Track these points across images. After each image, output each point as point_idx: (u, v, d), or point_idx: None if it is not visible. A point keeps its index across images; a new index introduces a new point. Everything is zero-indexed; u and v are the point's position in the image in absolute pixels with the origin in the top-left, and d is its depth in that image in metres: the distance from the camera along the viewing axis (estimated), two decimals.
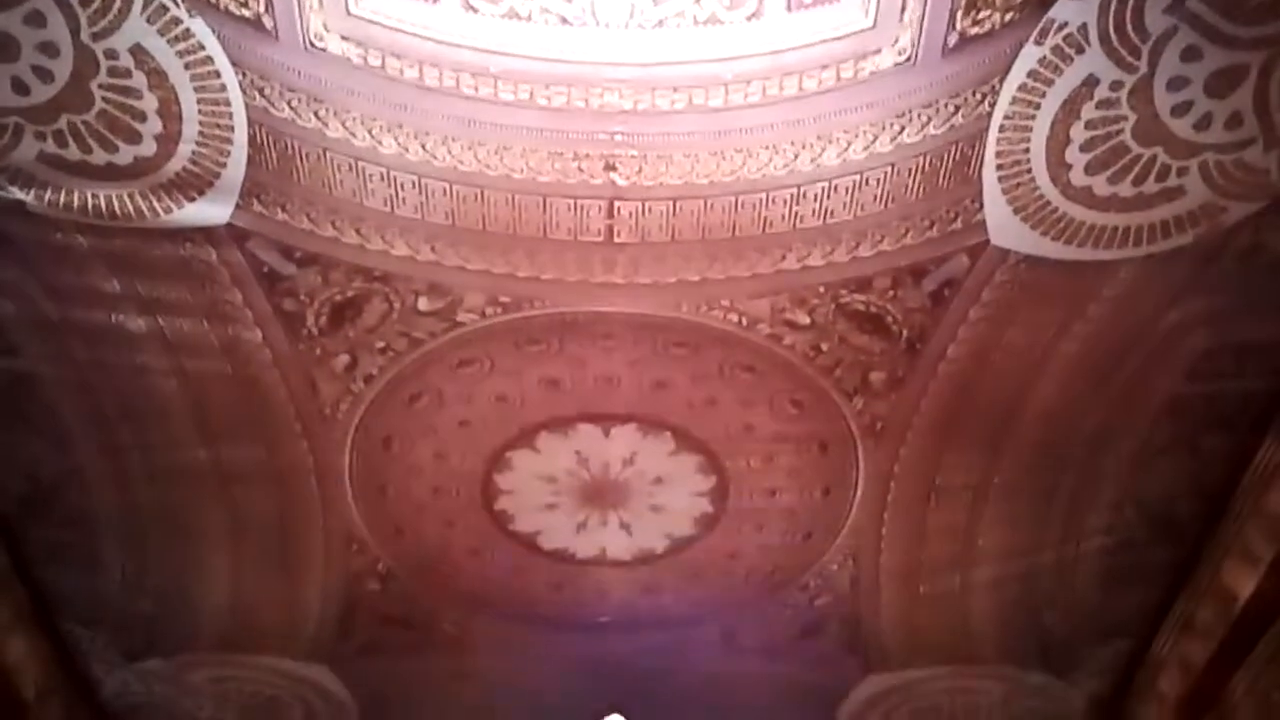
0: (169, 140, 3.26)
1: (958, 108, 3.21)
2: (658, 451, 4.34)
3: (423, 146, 3.30)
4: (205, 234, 3.52)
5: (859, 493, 4.45)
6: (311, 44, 3.11)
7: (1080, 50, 3.05)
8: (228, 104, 3.19)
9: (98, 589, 4.80)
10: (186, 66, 3.12)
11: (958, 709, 5.43)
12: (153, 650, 5.12)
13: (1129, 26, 3.00)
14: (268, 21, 3.07)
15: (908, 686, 5.30)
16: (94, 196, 3.38)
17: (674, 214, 3.47)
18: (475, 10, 3.07)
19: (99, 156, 3.27)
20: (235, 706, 5.41)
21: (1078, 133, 3.22)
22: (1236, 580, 4.37)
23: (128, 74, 3.11)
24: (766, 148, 3.31)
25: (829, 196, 3.42)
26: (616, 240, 3.54)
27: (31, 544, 4.62)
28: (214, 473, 4.37)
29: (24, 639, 4.77)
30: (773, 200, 3.43)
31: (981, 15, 3.03)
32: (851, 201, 3.43)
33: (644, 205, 3.46)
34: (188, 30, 3.05)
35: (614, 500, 4.51)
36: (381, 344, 3.92)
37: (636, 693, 4.82)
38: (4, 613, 4.60)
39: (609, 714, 4.47)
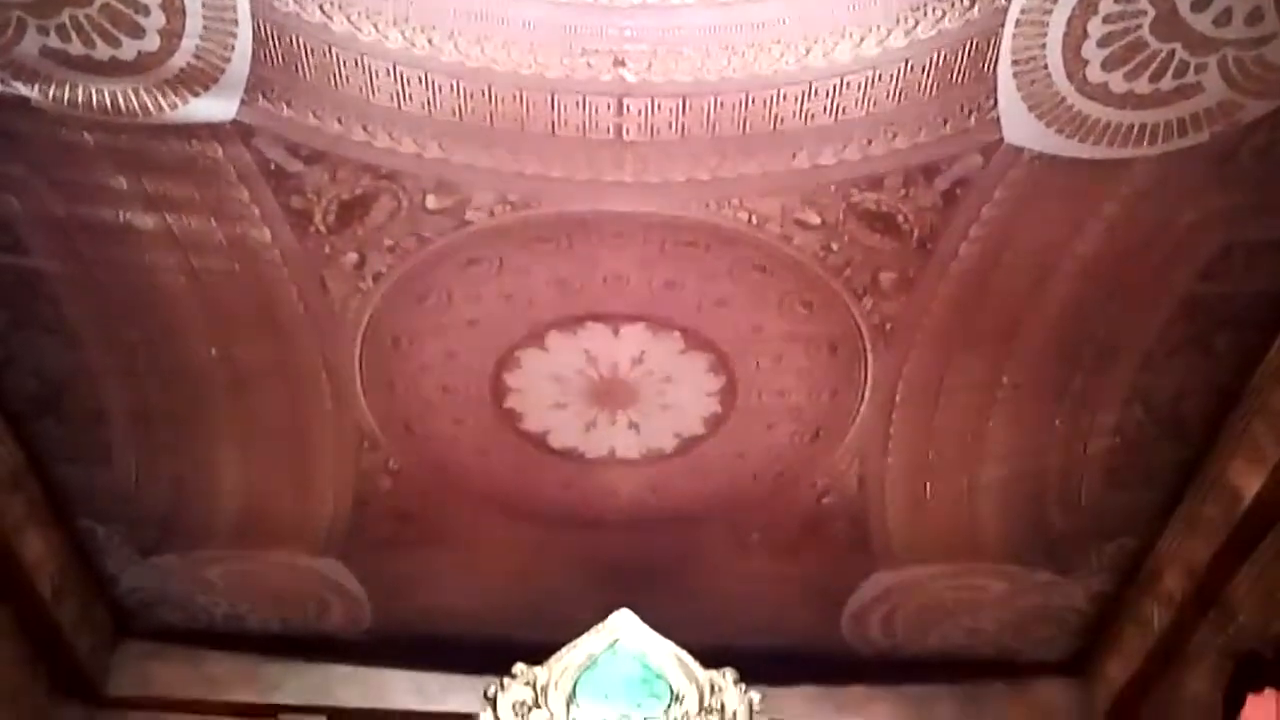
0: (172, 35, 3.20)
1: (973, 1, 3.15)
2: (667, 351, 4.33)
3: (429, 41, 3.25)
4: (211, 130, 3.48)
5: (867, 393, 4.45)
6: None
7: None
8: None
9: (111, 486, 4.85)
10: None
11: (961, 605, 5.49)
12: (167, 546, 5.19)
13: None
14: None
15: (913, 584, 5.36)
16: (98, 92, 3.34)
17: (684, 111, 3.42)
18: None
19: (102, 51, 3.22)
20: (250, 601, 5.50)
21: (1095, 28, 3.15)
22: (1243, 479, 4.39)
23: None
24: (778, 43, 3.25)
25: (841, 93, 3.36)
26: (625, 138, 3.50)
27: (44, 441, 4.66)
28: (223, 371, 4.38)
29: (40, 536, 4.84)
30: (784, 97, 3.38)
31: None
32: (864, 98, 3.37)
33: (653, 102, 3.41)
34: None
35: (623, 400, 4.52)
36: (390, 242, 3.89)
37: (645, 589, 4.87)
38: (19, 509, 4.65)
39: (617, 609, 4.51)
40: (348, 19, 3.20)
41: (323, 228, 3.83)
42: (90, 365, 4.34)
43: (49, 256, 3.93)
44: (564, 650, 4.39)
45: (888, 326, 4.18)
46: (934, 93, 3.36)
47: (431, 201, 3.75)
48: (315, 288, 4.04)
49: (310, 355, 4.30)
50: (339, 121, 3.48)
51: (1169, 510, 4.90)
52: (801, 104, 3.39)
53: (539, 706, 4.23)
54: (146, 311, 4.14)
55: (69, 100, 3.34)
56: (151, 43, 3.22)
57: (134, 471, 4.80)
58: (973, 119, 3.43)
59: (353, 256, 3.95)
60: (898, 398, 4.47)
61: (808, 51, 3.26)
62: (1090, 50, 3.20)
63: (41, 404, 4.50)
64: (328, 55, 3.29)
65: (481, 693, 4.36)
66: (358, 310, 4.13)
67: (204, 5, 3.15)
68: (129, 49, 3.22)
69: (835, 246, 3.89)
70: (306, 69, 3.33)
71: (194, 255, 3.91)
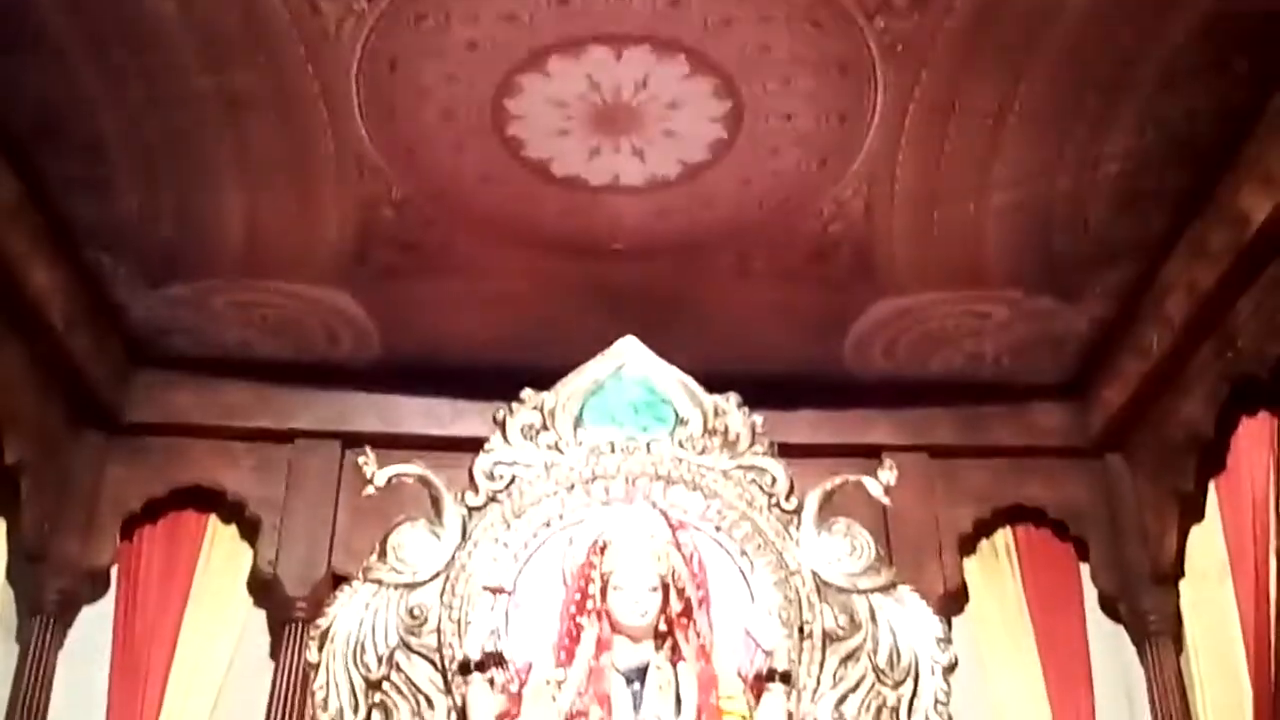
0: None
1: None
2: (671, 75, 4.23)
3: None
4: None
5: (876, 117, 4.37)
6: None
7: None
8: None
9: (115, 217, 4.84)
10: None
11: (963, 331, 5.55)
12: (175, 276, 5.22)
13: None
14: None
15: (916, 310, 5.41)
16: None
17: None
18: None
19: None
20: (259, 330, 5.57)
21: None
22: (1252, 203, 4.35)
23: None
24: None
25: None
26: None
27: (45, 172, 4.62)
28: (219, 99, 4.30)
29: (46, 267, 4.85)
30: None
31: None
32: None
33: None
34: None
35: (626, 125, 4.44)
36: None
37: (649, 318, 4.90)
38: (23, 240, 4.64)
39: (623, 336, 4.55)
40: None
41: None
42: (85, 94, 4.25)
43: None
44: (571, 375, 4.45)
45: (899, 47, 4.06)
46: None
47: None
48: (307, 9, 3.91)
49: (306, 81, 4.20)
50: None
51: (1176, 236, 4.89)
52: None
53: (546, 429, 4.32)
54: (137, 38, 4.02)
55: None
56: None
57: (136, 203, 4.78)
58: None
59: None
60: (907, 122, 4.38)
61: None
62: None
63: (38, 135, 4.44)
64: None
65: (491, 417, 4.45)
66: (353, 33, 4.01)
67: None
68: None
69: None
70: None
71: None
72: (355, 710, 3.86)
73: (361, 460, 4.11)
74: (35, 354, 4.99)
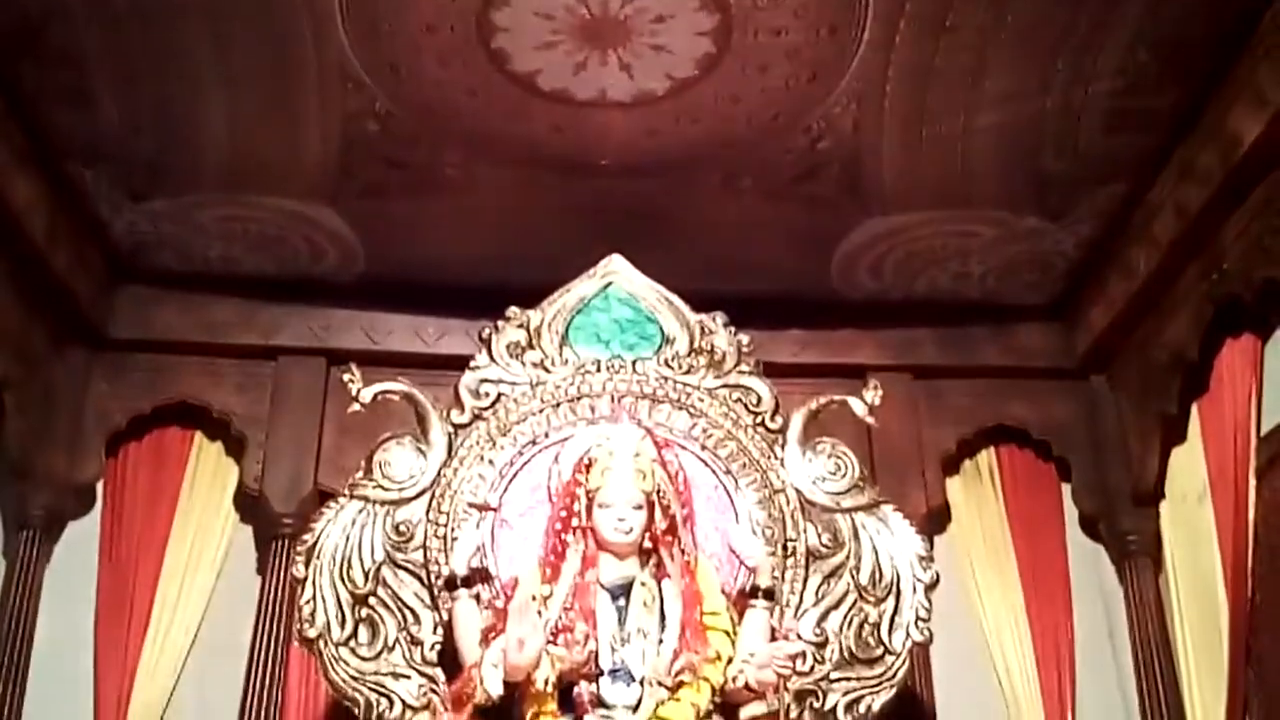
0: None
1: None
2: None
3: None
4: None
5: (866, 33, 4.31)
6: None
7: None
8: None
9: (96, 130, 4.77)
10: None
11: (950, 251, 5.53)
12: (157, 190, 5.16)
13: None
14: None
15: (903, 229, 5.38)
16: None
17: None
18: None
19: None
20: (243, 245, 5.51)
21: None
22: (1242, 124, 4.32)
23: None
24: None
25: None
26: None
27: (24, 84, 4.54)
28: (201, 10, 4.23)
29: (27, 181, 4.79)
30: None
31: None
32: None
33: None
34: None
35: (614, 39, 4.36)
36: None
37: (636, 236, 4.88)
38: (2, 152, 4.58)
39: (609, 254, 4.54)
40: None
41: None
42: (66, 4, 4.18)
43: None
44: (557, 293, 4.45)
45: None
46: None
47: None
48: None
49: None
50: None
51: (1165, 156, 4.87)
52: None
53: (532, 348, 4.32)
54: None
55: None
56: None
57: (117, 115, 4.71)
58: None
59: None
60: (897, 38, 4.33)
61: None
62: None
63: (17, 46, 4.36)
64: None
65: (476, 335, 4.44)
66: None
67: None
68: None
69: None
70: None
71: None
72: (342, 624, 3.90)
73: (347, 377, 4.11)
74: (17, 269, 4.94)
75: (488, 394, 4.24)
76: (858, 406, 4.25)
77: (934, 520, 5.59)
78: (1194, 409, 5.12)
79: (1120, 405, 5.70)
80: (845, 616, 4.03)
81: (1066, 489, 5.82)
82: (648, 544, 3.68)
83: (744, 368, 4.35)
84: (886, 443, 5.43)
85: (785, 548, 4.05)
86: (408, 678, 3.87)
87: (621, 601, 3.57)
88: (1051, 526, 5.76)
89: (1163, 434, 5.29)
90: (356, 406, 4.09)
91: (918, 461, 5.69)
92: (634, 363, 4.29)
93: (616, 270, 4.49)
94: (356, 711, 3.84)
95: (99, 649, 5.25)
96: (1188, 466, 5.20)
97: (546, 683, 3.37)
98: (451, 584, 3.78)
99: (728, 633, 3.63)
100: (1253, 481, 4.58)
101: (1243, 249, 4.59)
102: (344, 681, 3.85)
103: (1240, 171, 4.44)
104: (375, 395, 4.12)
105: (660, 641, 3.49)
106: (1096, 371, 5.85)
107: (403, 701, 3.84)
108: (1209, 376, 4.97)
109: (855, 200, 5.20)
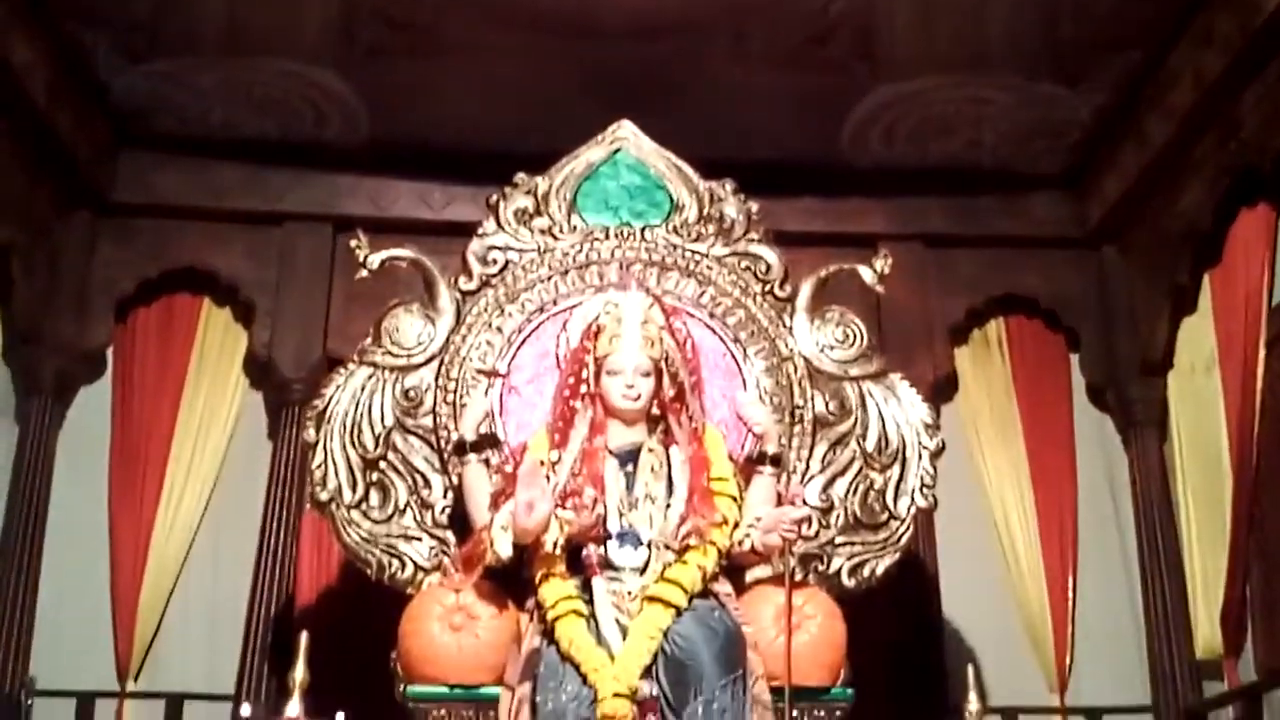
0: None
1: None
2: None
3: None
4: None
5: None
6: None
7: None
8: None
9: None
10: None
11: (963, 118, 5.47)
12: (157, 52, 5.08)
13: None
14: None
15: (916, 95, 5.30)
16: None
17: None
18: None
19: None
20: (245, 109, 5.45)
21: None
22: None
23: None
24: None
25: None
26: None
27: None
28: None
29: (26, 41, 4.72)
30: None
31: None
32: None
33: None
34: None
35: None
36: None
37: (645, 101, 4.80)
38: (1, 10, 4.51)
39: (618, 120, 4.47)
40: None
41: None
42: None
43: None
44: (565, 159, 4.39)
45: None
46: None
47: None
48: None
49: None
50: None
51: (1184, 22, 4.77)
52: None
53: (540, 214, 4.28)
54: None
55: None
56: None
57: None
58: None
59: None
60: None
61: None
62: None
63: None
64: None
65: (484, 201, 4.41)
66: None
67: None
68: None
69: None
70: None
71: None
72: (353, 488, 3.93)
73: (354, 243, 4.09)
74: (19, 132, 4.90)
75: (495, 261, 4.21)
76: (867, 275, 4.22)
77: (941, 389, 5.61)
78: (1205, 279, 5.11)
79: (1131, 275, 5.67)
80: (851, 483, 4.06)
81: (1075, 359, 5.83)
82: (656, 411, 3.69)
83: (753, 235, 4.31)
84: (895, 311, 5.44)
85: (792, 415, 4.06)
86: (419, 540, 3.92)
87: (629, 467, 3.59)
88: (1058, 396, 5.79)
89: (1173, 304, 5.28)
90: (364, 273, 4.07)
91: (926, 330, 5.69)
92: (643, 230, 4.25)
93: (625, 136, 4.41)
94: (369, 572, 3.89)
95: (113, 510, 5.34)
96: (1197, 336, 5.20)
97: (555, 545, 3.40)
98: (461, 449, 3.80)
99: (734, 498, 3.65)
100: (1262, 352, 4.59)
101: (1261, 118, 4.53)
102: (356, 544, 3.90)
103: (1260, 39, 4.36)
104: (383, 261, 4.09)
105: (668, 506, 3.52)
106: (1108, 241, 5.81)
107: (414, 563, 3.89)
108: (1222, 247, 4.94)
109: (868, 65, 5.12)
